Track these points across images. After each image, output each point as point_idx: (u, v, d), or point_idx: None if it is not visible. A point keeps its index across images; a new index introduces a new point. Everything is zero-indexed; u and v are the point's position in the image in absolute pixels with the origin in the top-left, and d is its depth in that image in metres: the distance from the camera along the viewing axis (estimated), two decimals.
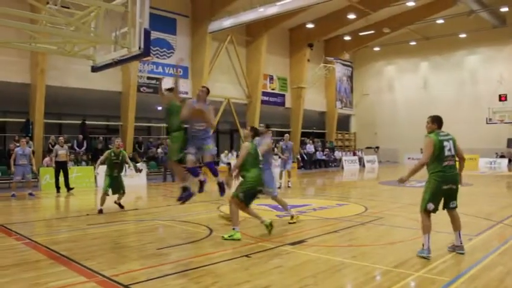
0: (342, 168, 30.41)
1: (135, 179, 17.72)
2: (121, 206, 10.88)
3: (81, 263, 5.78)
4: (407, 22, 30.41)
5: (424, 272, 5.36)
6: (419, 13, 29.26)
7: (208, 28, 24.85)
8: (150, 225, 9.01)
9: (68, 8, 9.86)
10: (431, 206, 6.09)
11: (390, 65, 37.35)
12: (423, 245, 6.08)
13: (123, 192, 10.80)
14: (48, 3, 9.36)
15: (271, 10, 22.56)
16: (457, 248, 6.28)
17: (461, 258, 6.01)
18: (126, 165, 11.02)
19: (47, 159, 17.33)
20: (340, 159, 31.83)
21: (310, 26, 29.80)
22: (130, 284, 4.90)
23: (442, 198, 6.21)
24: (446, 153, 6.30)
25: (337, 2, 24.79)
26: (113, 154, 10.68)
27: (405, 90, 36.17)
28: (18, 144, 15.02)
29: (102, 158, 10.93)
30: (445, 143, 6.36)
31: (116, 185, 10.63)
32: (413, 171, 6.36)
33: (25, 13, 10.62)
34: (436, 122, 6.64)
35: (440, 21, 30.12)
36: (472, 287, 4.89)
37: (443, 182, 6.15)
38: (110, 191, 10.54)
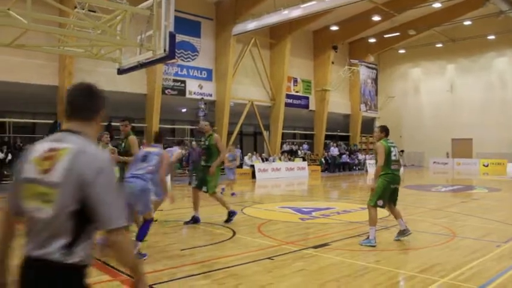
0: (366, 171, 30.14)
1: None
2: None
3: (105, 262, 5.86)
4: (434, 24, 29.94)
5: (449, 278, 5.26)
6: (446, 14, 28.78)
7: (232, 31, 24.95)
8: (174, 226, 9.08)
9: (95, 12, 10.03)
10: (381, 202, 7.06)
11: (416, 67, 36.86)
12: (369, 236, 7.03)
13: None
14: (75, 7, 9.56)
15: (295, 12, 22.51)
16: (405, 231, 7.26)
17: (489, 266, 5.88)
18: None
19: None
20: (364, 163, 31.58)
21: (334, 28, 29.63)
22: (154, 284, 4.94)
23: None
24: (393, 158, 7.16)
25: (361, 4, 24.58)
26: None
27: (431, 93, 35.63)
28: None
29: None
30: (392, 149, 7.19)
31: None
32: (376, 176, 7.20)
33: (54, 17, 10.86)
34: (384, 131, 7.39)
35: (467, 22, 29.55)
36: None
37: (391, 182, 7.10)
38: None
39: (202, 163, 9.18)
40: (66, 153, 1.96)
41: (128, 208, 5.56)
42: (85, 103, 2.13)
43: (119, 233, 1.95)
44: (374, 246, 6.87)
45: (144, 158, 6.49)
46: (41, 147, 2.06)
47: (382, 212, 10.82)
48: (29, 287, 1.94)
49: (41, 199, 1.95)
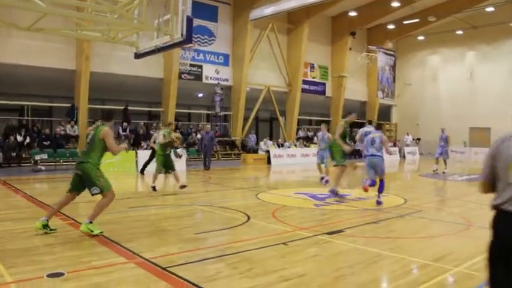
0: (383, 159, 29.89)
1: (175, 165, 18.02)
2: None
3: (121, 244, 5.95)
4: (454, 10, 29.33)
5: (463, 267, 5.23)
6: (467, 1, 28.20)
7: (249, 16, 24.80)
8: (189, 210, 9.16)
9: None
10: None
11: (435, 54, 36.23)
12: None
13: (174, 170, 11.69)
14: None
15: None
16: None
17: None
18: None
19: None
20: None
21: (352, 13, 29.27)
22: (168, 267, 5.01)
23: None
24: None
25: None
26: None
27: (450, 81, 35.03)
28: None
29: (161, 138, 11.70)
30: None
31: (169, 163, 11.63)
32: None
33: (72, 1, 10.89)
34: None
35: (490, 9, 28.87)
36: None
37: None
38: (163, 170, 11.57)
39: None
40: None
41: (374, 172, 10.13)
42: None
43: None
44: None
45: (373, 141, 10.05)
46: None
47: (397, 200, 10.80)
48: None
49: None
